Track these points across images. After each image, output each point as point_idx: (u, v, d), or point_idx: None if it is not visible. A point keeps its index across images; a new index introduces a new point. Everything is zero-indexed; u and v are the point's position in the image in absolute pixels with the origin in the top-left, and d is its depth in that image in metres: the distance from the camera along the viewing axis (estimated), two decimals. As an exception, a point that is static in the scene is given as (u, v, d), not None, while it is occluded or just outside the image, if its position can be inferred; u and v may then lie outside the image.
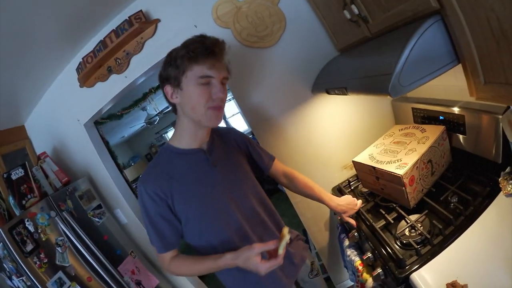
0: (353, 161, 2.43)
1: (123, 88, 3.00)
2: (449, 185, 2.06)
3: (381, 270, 1.89)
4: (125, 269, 3.19)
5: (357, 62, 2.17)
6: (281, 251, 1.51)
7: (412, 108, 2.54)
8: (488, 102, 1.45)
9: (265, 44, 2.69)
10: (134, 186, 4.02)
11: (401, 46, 1.49)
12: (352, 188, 2.77)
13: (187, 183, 1.64)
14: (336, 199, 2.24)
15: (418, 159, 1.98)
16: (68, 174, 3.28)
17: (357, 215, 2.30)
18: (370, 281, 2.04)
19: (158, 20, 2.71)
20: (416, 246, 1.72)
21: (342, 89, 2.08)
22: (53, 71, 3.07)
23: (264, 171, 2.10)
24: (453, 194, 1.99)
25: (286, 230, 1.57)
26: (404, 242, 1.84)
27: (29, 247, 2.51)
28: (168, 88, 1.61)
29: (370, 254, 2.04)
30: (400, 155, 2.10)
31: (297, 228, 2.19)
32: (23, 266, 2.42)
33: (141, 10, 2.63)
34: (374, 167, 2.16)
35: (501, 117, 1.71)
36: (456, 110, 2.08)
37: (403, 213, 2.05)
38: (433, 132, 2.17)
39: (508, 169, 1.78)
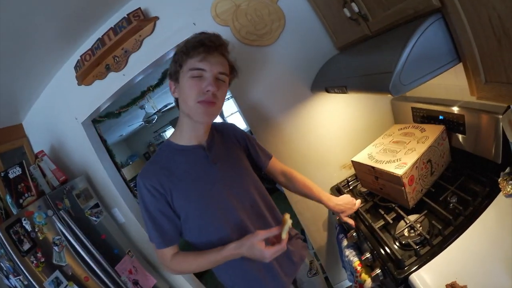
0: (352, 161, 2.42)
1: (121, 86, 3.00)
2: (449, 185, 2.05)
3: (380, 270, 1.88)
4: (123, 268, 3.18)
5: (357, 60, 2.17)
6: (284, 235, 1.54)
7: (412, 108, 2.53)
8: (488, 102, 1.44)
9: (264, 42, 2.68)
10: (132, 185, 4.01)
11: (402, 45, 1.48)
12: (351, 187, 2.77)
13: (186, 180, 1.63)
14: (334, 198, 2.23)
15: (418, 159, 1.97)
16: (65, 173, 3.27)
17: (356, 215, 2.30)
18: (368, 281, 2.04)
19: (156, 18, 2.70)
20: (415, 247, 1.72)
21: (342, 88, 2.08)
22: (51, 69, 3.06)
23: (262, 168, 2.09)
24: (452, 194, 1.98)
25: (287, 215, 1.61)
26: (403, 242, 1.83)
27: (26, 246, 2.49)
28: (171, 83, 1.65)
29: (369, 255, 2.03)
30: (400, 155, 2.09)
31: (295, 228, 2.18)
32: (20, 265, 2.41)
33: (139, 8, 2.62)
34: (373, 167, 2.16)
35: (501, 117, 1.71)
36: (456, 109, 2.07)
37: (402, 213, 2.04)
38: (433, 131, 2.16)
39: (508, 170, 1.77)
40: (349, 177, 2.92)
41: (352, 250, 2.38)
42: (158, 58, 2.79)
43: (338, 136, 2.93)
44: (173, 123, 11.44)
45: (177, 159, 1.67)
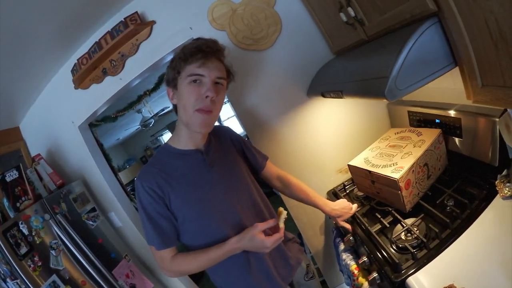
0: (348, 165, 2.42)
1: (118, 90, 2.99)
2: (446, 189, 2.06)
3: (377, 274, 1.88)
4: (120, 272, 3.18)
5: (353, 65, 2.17)
6: (281, 224, 1.66)
7: (408, 112, 2.54)
8: (485, 105, 1.44)
9: (261, 46, 2.68)
10: (128, 189, 4.01)
11: (398, 49, 1.48)
12: (347, 192, 2.77)
13: (184, 184, 1.65)
14: (330, 203, 2.24)
15: (414, 163, 1.97)
16: (62, 177, 3.27)
17: (353, 219, 2.30)
18: (366, 285, 2.04)
19: (153, 22, 2.70)
20: (412, 250, 1.72)
21: (337, 93, 2.08)
22: (48, 72, 3.06)
23: (258, 170, 2.10)
24: (449, 198, 1.99)
25: (281, 208, 1.72)
26: (400, 246, 1.83)
27: (23, 250, 2.49)
28: (169, 90, 1.67)
29: (366, 258, 2.04)
30: (396, 159, 2.10)
31: (292, 232, 2.19)
32: (17, 269, 2.41)
33: (136, 12, 2.63)
34: (369, 171, 2.16)
35: (498, 120, 1.72)
36: (452, 113, 2.08)
37: (399, 217, 2.04)
38: (429, 135, 2.16)
39: (505, 172, 1.78)
40: (346, 181, 2.92)
41: (349, 254, 2.39)
42: (155, 62, 2.79)
43: (334, 140, 2.94)
44: (170, 127, 11.46)
45: (175, 163, 1.68)
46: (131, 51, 2.78)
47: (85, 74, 2.92)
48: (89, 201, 3.33)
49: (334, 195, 2.83)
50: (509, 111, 1.62)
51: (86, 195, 3.34)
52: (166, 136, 12.58)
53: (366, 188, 2.37)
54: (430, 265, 1.60)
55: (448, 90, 2.12)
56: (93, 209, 3.33)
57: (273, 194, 5.03)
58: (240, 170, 1.87)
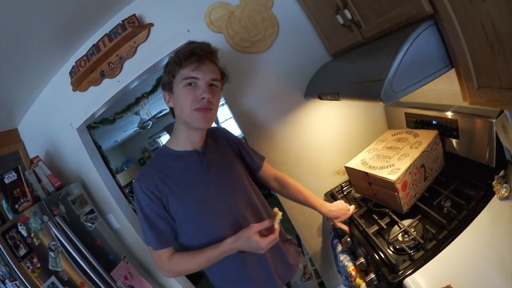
0: (345, 167, 2.43)
1: (116, 93, 3.00)
2: (443, 190, 2.06)
3: (374, 275, 1.89)
4: (118, 274, 3.18)
5: (349, 67, 2.18)
6: (277, 226, 1.67)
7: (405, 113, 2.55)
8: (481, 107, 1.45)
9: (258, 49, 2.69)
10: (126, 191, 4.01)
11: (394, 52, 1.49)
12: (344, 193, 2.77)
13: (182, 185, 1.66)
14: (328, 205, 2.25)
15: (411, 164, 1.98)
16: (60, 179, 3.27)
17: (350, 221, 2.30)
18: (363, 286, 2.04)
19: (151, 25, 2.71)
20: (409, 251, 1.73)
21: (334, 95, 2.09)
22: (46, 74, 3.07)
23: (255, 171, 2.12)
24: (446, 199, 2.00)
25: (276, 209, 1.75)
26: (397, 247, 1.83)
27: (22, 251, 2.50)
28: (165, 94, 1.69)
29: (363, 260, 2.04)
30: (393, 160, 2.10)
31: (290, 233, 2.19)
32: (16, 271, 2.42)
33: (134, 14, 2.63)
34: (366, 173, 2.17)
35: (494, 121, 1.72)
36: (449, 114, 2.09)
37: (396, 218, 2.05)
38: (426, 136, 2.17)
39: (502, 173, 1.79)
40: (343, 183, 2.93)
41: (346, 255, 2.39)
42: (153, 64, 2.80)
43: (331, 142, 2.94)
44: (168, 129, 11.50)
45: (173, 164, 1.70)
46: (129, 53, 2.79)
47: (83, 77, 2.92)
48: (87, 203, 3.34)
49: (331, 196, 2.84)
50: (506, 112, 1.63)
51: (85, 197, 3.34)
52: (164, 138, 12.60)
53: (363, 189, 2.38)
54: (427, 266, 1.61)
55: (445, 91, 2.13)
56: (92, 211, 3.33)
57: (271, 195, 5.03)
58: (237, 171, 1.88)
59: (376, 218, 2.17)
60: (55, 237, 2.80)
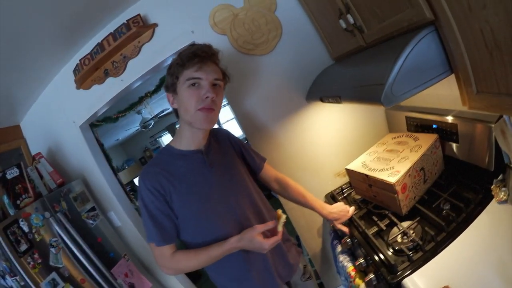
0: (346, 169, 2.45)
1: (119, 91, 3.01)
2: (442, 193, 2.09)
3: (373, 275, 1.91)
4: (119, 271, 3.20)
5: (351, 71, 2.20)
6: (280, 228, 1.71)
7: (406, 117, 2.57)
8: (480, 111, 1.47)
9: (261, 51, 2.71)
10: (128, 189, 4.02)
11: (394, 56, 1.51)
12: (345, 195, 2.79)
13: (185, 183, 1.69)
14: (328, 206, 2.27)
15: (411, 167, 2.00)
16: (62, 176, 3.29)
17: (350, 222, 2.32)
18: (362, 286, 2.06)
19: (155, 25, 2.73)
20: (408, 252, 1.75)
21: (336, 98, 2.10)
22: (50, 71, 3.08)
23: (256, 172, 2.14)
24: (445, 202, 2.02)
25: (280, 211, 1.79)
26: (396, 248, 1.86)
27: (23, 247, 2.51)
28: (169, 95, 1.72)
29: (363, 260, 2.06)
30: (393, 163, 2.13)
31: (290, 235, 2.21)
32: (17, 266, 2.43)
33: (139, 14, 2.65)
34: (367, 175, 2.19)
35: (494, 125, 1.74)
36: (449, 119, 2.11)
37: (395, 220, 2.07)
38: (426, 140, 2.19)
39: (500, 177, 1.81)
40: (344, 185, 2.95)
41: (346, 256, 2.40)
42: (157, 64, 2.82)
43: (332, 145, 2.96)
44: (169, 128, 11.51)
45: (176, 163, 1.73)
46: (133, 53, 2.81)
47: (87, 75, 2.94)
48: (89, 200, 3.35)
49: (331, 198, 2.86)
50: (505, 117, 1.64)
51: (86, 194, 3.35)
52: (165, 138, 12.59)
53: (363, 191, 2.40)
54: (426, 267, 1.64)
55: (445, 96, 2.15)
56: (93, 208, 3.34)
57: (272, 196, 5.04)
58: (239, 171, 1.91)
59: (376, 219, 2.20)
60: (57, 233, 2.82)
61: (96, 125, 3.79)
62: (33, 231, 2.64)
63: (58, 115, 3.32)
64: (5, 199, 2.75)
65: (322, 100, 2.39)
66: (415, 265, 1.67)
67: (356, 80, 1.95)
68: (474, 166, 2.04)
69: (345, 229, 2.27)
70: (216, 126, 1.83)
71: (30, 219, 2.67)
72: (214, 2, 2.64)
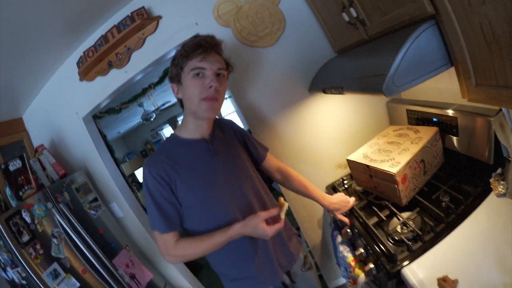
0: (347, 159, 2.47)
1: (123, 83, 3.03)
2: (441, 185, 2.11)
3: (373, 265, 1.93)
4: (120, 262, 3.22)
5: (353, 63, 2.21)
6: (283, 216, 1.72)
7: (407, 110, 2.59)
8: (480, 104, 1.50)
9: (265, 43, 2.73)
10: (129, 181, 4.04)
11: (396, 48, 1.53)
12: (346, 186, 2.81)
13: (190, 171, 1.71)
14: (329, 197, 2.29)
15: (411, 159, 2.02)
16: (65, 167, 3.31)
17: (351, 213, 2.35)
18: (362, 276, 2.09)
19: (159, 17, 2.75)
20: (407, 242, 1.77)
21: (338, 89, 2.12)
22: (53, 64, 3.09)
23: (259, 162, 2.16)
24: (445, 193, 2.04)
25: (282, 199, 1.79)
26: (396, 238, 1.88)
27: (25, 238, 2.52)
28: (173, 86, 1.75)
29: (363, 250, 2.09)
30: (394, 155, 2.15)
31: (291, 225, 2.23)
32: (19, 257, 2.44)
33: (143, 7, 2.67)
34: (368, 166, 2.20)
35: (492, 119, 1.76)
36: (449, 112, 2.12)
37: (395, 210, 2.10)
38: (427, 133, 2.21)
39: (499, 170, 1.83)
40: (345, 176, 2.98)
41: (346, 246, 2.43)
42: (160, 56, 2.84)
43: (334, 136, 2.98)
44: (171, 121, 11.52)
45: (181, 151, 1.75)
46: (137, 45, 2.82)
47: (91, 67, 2.95)
48: (91, 191, 3.37)
49: (332, 189, 2.89)
50: (504, 111, 1.66)
51: (89, 185, 3.38)
52: (166, 131, 12.63)
53: (364, 182, 2.42)
54: (425, 257, 1.66)
55: (445, 90, 2.17)
56: (95, 199, 3.37)
57: (273, 189, 5.05)
58: (242, 160, 1.93)
59: (376, 210, 2.22)
60: (59, 224, 2.84)
61: (99, 116, 3.81)
62: (36, 222, 2.66)
63: (61, 107, 3.33)
64: (8, 191, 2.78)
65: (324, 91, 2.42)
66: (415, 255, 1.70)
67: (358, 71, 1.97)
68: (474, 159, 2.05)
69: (345, 219, 2.28)
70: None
71: (33, 209, 2.69)
72: (218, -5, 2.65)
